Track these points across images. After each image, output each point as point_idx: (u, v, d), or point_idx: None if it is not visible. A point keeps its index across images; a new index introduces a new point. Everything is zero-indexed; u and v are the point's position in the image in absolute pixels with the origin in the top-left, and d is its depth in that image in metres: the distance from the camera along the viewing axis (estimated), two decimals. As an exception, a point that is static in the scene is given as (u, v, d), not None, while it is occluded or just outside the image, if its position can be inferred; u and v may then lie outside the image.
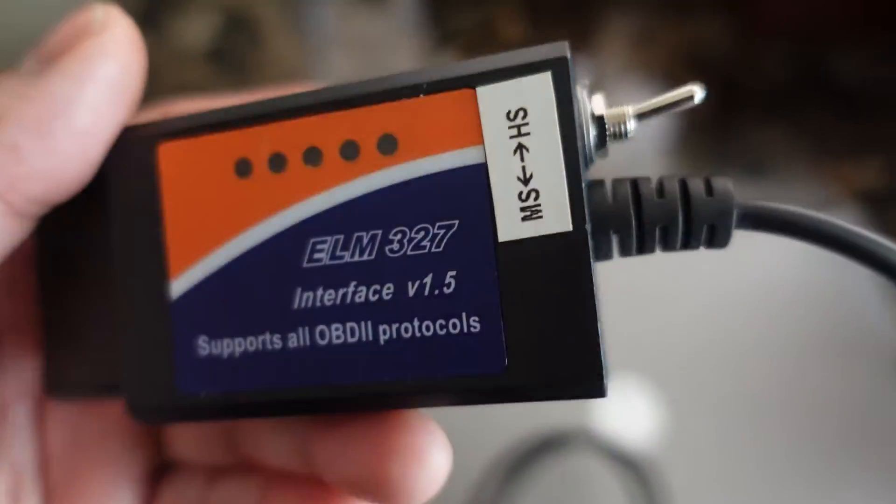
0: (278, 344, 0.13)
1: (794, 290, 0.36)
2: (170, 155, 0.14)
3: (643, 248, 0.12)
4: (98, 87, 0.13)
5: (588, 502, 0.30)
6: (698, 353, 0.33)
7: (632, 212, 0.12)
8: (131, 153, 0.14)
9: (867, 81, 0.45)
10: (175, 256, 0.14)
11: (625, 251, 0.13)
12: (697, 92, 0.12)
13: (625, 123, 0.12)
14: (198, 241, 0.13)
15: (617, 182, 0.13)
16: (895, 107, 0.44)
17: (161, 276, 0.14)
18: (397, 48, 0.50)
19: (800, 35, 0.46)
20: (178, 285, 0.14)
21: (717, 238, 0.12)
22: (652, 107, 0.13)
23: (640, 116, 0.13)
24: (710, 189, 0.12)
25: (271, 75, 0.48)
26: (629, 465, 0.30)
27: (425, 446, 0.13)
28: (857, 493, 0.29)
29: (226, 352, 0.13)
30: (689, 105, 0.13)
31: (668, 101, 0.13)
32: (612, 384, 0.27)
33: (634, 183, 0.12)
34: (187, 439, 0.17)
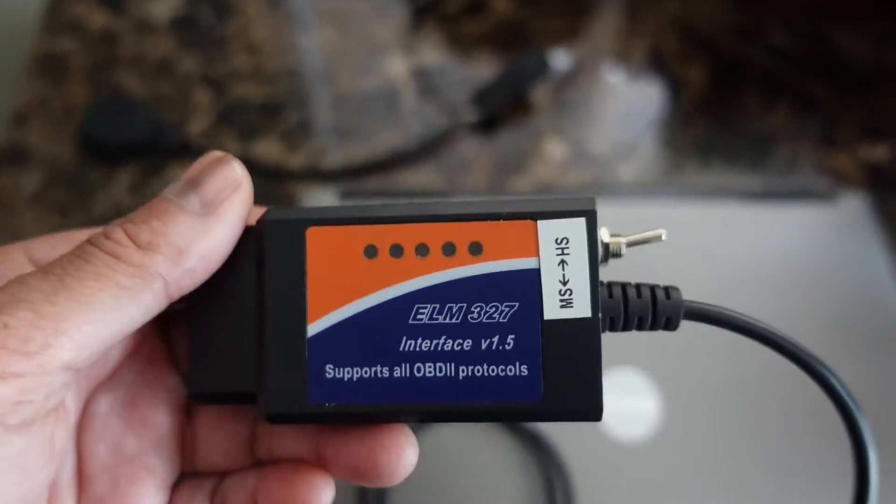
0: (386, 374, 0.19)
1: (799, 276, 0.35)
2: (316, 236, 0.20)
3: (626, 328, 0.20)
4: (240, 227, 0.20)
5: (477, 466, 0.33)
6: (697, 343, 0.33)
7: (622, 307, 0.20)
8: (286, 232, 0.20)
9: (875, 60, 0.44)
10: (313, 306, 0.19)
11: (612, 329, 0.20)
12: (664, 234, 0.20)
13: (620, 248, 0.20)
14: (331, 298, 0.19)
15: (612, 284, 0.20)
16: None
17: (301, 319, 0.19)
18: (375, 18, 0.47)
19: (806, 11, 0.45)
20: (314, 327, 0.19)
21: (670, 326, 0.20)
22: (636, 240, 0.20)
23: (630, 244, 0.20)
24: (668, 295, 0.20)
25: (241, 47, 0.45)
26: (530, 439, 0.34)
27: (404, 445, 0.20)
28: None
29: (346, 376, 0.19)
30: (657, 241, 0.20)
31: (644, 238, 0.20)
32: (611, 374, 0.33)
33: (623, 287, 0.20)
34: (215, 449, 0.22)
